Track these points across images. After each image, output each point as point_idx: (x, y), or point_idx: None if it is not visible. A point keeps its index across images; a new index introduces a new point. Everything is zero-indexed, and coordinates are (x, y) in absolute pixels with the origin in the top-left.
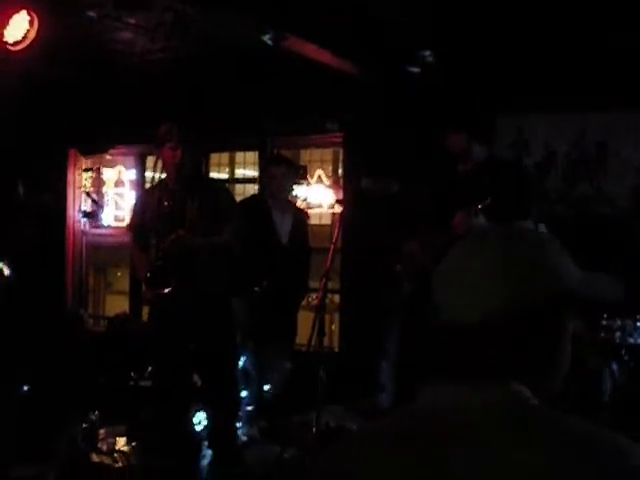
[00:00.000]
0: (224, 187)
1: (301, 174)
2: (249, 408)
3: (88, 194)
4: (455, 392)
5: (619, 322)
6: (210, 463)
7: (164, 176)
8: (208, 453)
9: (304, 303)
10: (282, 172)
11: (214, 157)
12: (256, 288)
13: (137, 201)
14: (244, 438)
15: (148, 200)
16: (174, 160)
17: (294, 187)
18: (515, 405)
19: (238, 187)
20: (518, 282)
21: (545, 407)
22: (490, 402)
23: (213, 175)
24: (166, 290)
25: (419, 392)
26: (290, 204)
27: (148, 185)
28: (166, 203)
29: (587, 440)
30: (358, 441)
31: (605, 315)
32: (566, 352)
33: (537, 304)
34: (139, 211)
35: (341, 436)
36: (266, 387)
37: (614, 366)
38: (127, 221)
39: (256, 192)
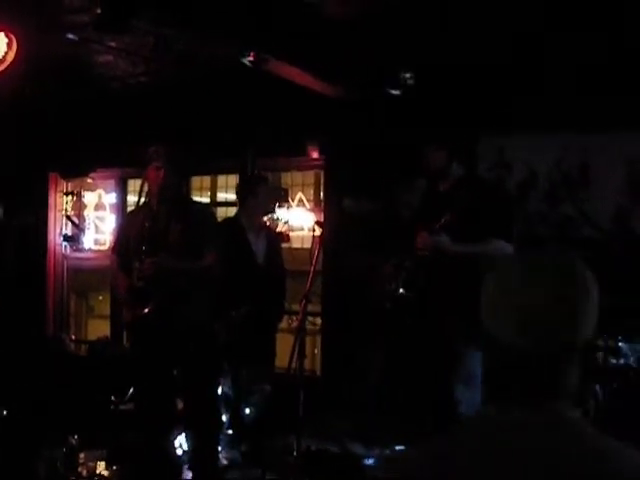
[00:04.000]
0: (208, 210)
1: (283, 197)
2: (229, 432)
3: (69, 217)
4: (520, 412)
5: (602, 343)
6: None
7: (148, 198)
8: (189, 476)
9: (285, 326)
10: (265, 192)
11: (196, 180)
12: (233, 312)
13: (120, 223)
14: (225, 462)
15: (131, 222)
16: (157, 180)
17: (275, 209)
18: (572, 424)
19: (220, 210)
20: (588, 318)
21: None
22: (552, 421)
23: (195, 199)
24: (145, 310)
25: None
26: (264, 226)
27: (130, 208)
28: (148, 225)
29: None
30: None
31: None
32: None
33: (588, 340)
34: (122, 233)
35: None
36: (246, 411)
37: (597, 387)
38: (109, 244)
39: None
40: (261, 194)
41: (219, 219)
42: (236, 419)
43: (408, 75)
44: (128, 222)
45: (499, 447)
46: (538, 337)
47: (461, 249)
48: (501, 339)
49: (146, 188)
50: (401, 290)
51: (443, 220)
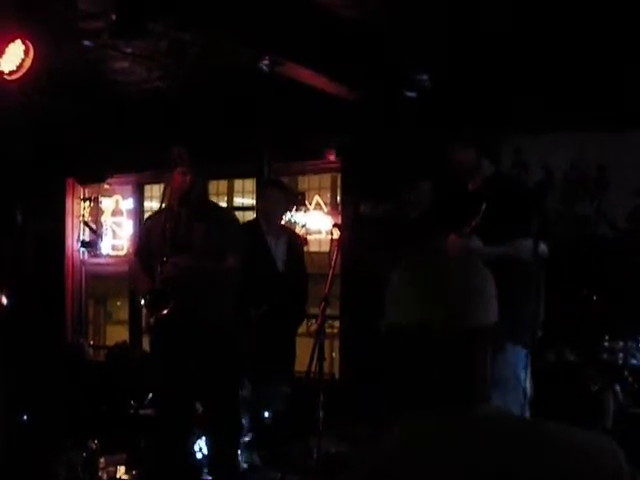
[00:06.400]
0: (231, 213)
1: (299, 200)
2: (248, 435)
3: (86, 223)
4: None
5: (621, 344)
6: None
7: (170, 202)
8: None
9: (304, 329)
10: (275, 195)
11: (212, 185)
12: (253, 311)
13: (142, 226)
14: (244, 465)
15: (153, 225)
16: (183, 185)
17: (288, 212)
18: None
19: (237, 215)
20: (490, 306)
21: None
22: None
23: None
24: (164, 311)
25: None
26: (284, 229)
27: (147, 214)
28: (171, 227)
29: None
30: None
31: (607, 337)
32: None
33: (492, 329)
34: (144, 236)
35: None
36: (265, 414)
37: (617, 388)
38: (127, 249)
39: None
40: (271, 197)
41: None
42: (256, 422)
43: (424, 77)
44: (150, 225)
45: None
46: (446, 317)
47: (493, 251)
48: (407, 325)
49: (168, 192)
50: None
51: (473, 223)
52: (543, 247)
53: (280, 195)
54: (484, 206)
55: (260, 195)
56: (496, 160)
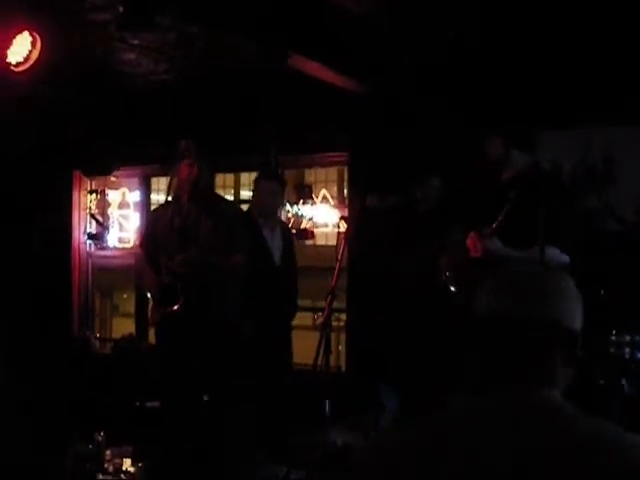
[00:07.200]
0: (238, 208)
1: (307, 193)
2: (252, 429)
3: (93, 216)
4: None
5: (628, 337)
6: None
7: (177, 195)
8: None
9: (310, 322)
10: (271, 188)
11: (219, 178)
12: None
13: (148, 219)
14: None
15: (159, 218)
16: (190, 177)
17: (284, 206)
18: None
19: (244, 208)
20: (571, 311)
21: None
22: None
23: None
24: (175, 307)
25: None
26: (278, 221)
27: (154, 206)
28: (178, 221)
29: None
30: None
31: (614, 331)
32: None
33: (572, 332)
34: (150, 229)
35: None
36: (269, 408)
37: (624, 382)
38: (133, 242)
39: None
40: (267, 190)
41: None
42: (260, 416)
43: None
44: (156, 218)
45: (463, 436)
46: (524, 304)
47: (513, 255)
48: (488, 308)
49: (175, 184)
50: (452, 288)
51: (495, 224)
52: (565, 257)
53: (276, 187)
54: (507, 207)
55: (255, 187)
56: (530, 151)
